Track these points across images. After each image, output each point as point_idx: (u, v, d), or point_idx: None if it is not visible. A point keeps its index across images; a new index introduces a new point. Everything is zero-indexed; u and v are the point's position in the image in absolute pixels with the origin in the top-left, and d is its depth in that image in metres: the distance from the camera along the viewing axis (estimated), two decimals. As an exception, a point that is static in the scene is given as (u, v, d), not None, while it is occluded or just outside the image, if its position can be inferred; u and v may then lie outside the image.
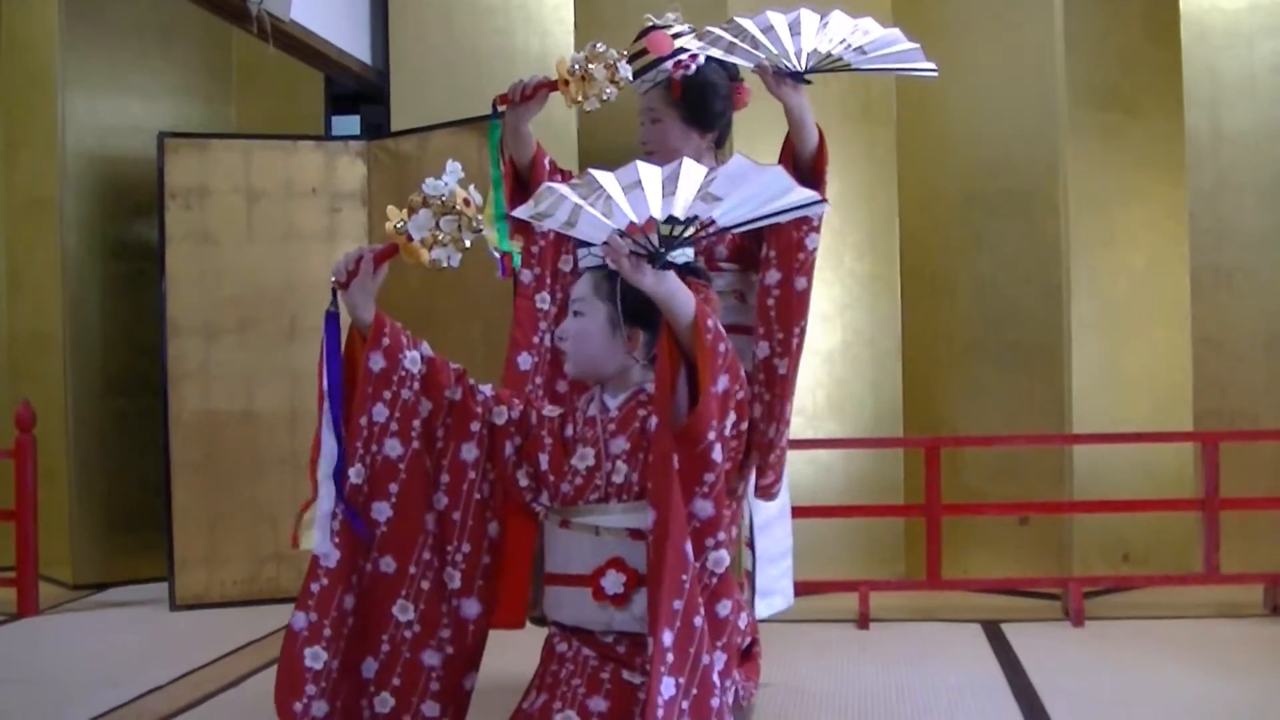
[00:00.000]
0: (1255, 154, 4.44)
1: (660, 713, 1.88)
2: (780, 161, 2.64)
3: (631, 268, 1.98)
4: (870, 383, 4.42)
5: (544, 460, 2.22)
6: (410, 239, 2.11)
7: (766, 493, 2.79)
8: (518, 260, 2.59)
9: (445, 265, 2.12)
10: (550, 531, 2.22)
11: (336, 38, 4.39)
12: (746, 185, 2.01)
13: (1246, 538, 4.09)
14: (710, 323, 2.00)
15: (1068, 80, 4.16)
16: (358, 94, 5.06)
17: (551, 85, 2.57)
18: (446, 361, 2.24)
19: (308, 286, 4.34)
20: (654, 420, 2.12)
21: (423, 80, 4.63)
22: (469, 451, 2.22)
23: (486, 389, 2.25)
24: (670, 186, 2.01)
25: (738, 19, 2.64)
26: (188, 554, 4.29)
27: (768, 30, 2.58)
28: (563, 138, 4.20)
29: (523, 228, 2.68)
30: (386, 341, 2.17)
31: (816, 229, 2.59)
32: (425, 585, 2.19)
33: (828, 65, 2.56)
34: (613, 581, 2.10)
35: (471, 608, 2.21)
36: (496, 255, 2.56)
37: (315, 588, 2.13)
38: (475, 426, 2.22)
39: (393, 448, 2.18)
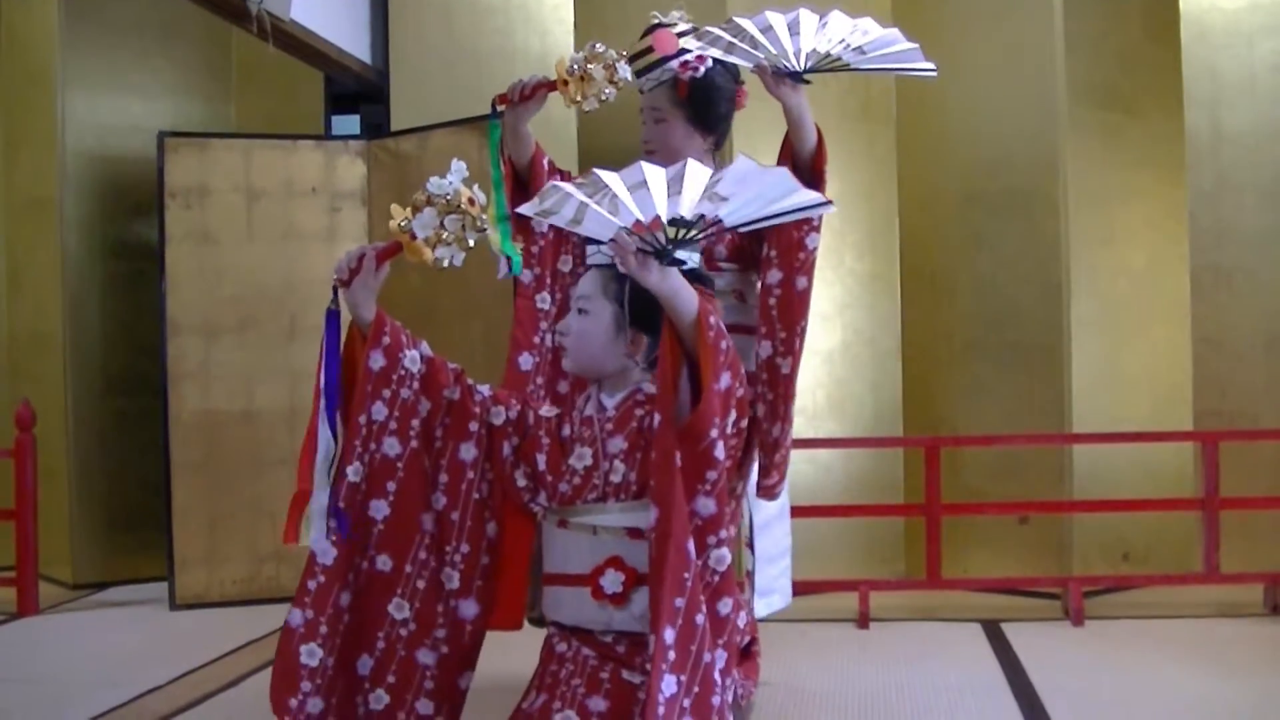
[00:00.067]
0: (1255, 154, 4.44)
1: (661, 710, 1.88)
2: (779, 161, 2.65)
3: (637, 265, 1.99)
4: (870, 382, 4.42)
5: (541, 460, 2.22)
6: (414, 237, 2.11)
7: (770, 492, 2.80)
8: (518, 266, 2.59)
9: (448, 264, 2.12)
10: (548, 531, 2.22)
11: (336, 37, 4.39)
12: (752, 186, 2.02)
13: (1246, 537, 4.09)
14: (712, 320, 2.00)
15: (1068, 80, 4.16)
16: (358, 93, 5.06)
17: (550, 85, 2.58)
18: (445, 361, 2.24)
19: (308, 286, 4.35)
20: (651, 420, 2.13)
21: (423, 80, 4.63)
22: (467, 451, 2.22)
23: (484, 389, 2.25)
24: (676, 187, 2.02)
25: (736, 19, 2.63)
26: (187, 553, 4.29)
27: (767, 30, 2.58)
28: (562, 138, 4.20)
29: (523, 228, 2.68)
30: (387, 340, 2.17)
31: (817, 228, 2.59)
32: (421, 584, 2.19)
33: (827, 65, 2.56)
34: (611, 581, 2.11)
35: (469, 608, 2.21)
36: (499, 255, 2.56)
37: (312, 585, 2.13)
38: (474, 426, 2.22)
39: (391, 446, 2.18)
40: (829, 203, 2.11)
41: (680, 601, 1.94)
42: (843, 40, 2.55)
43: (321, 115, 4.96)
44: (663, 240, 2.00)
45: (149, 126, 4.52)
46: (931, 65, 2.58)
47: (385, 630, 2.18)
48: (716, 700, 1.99)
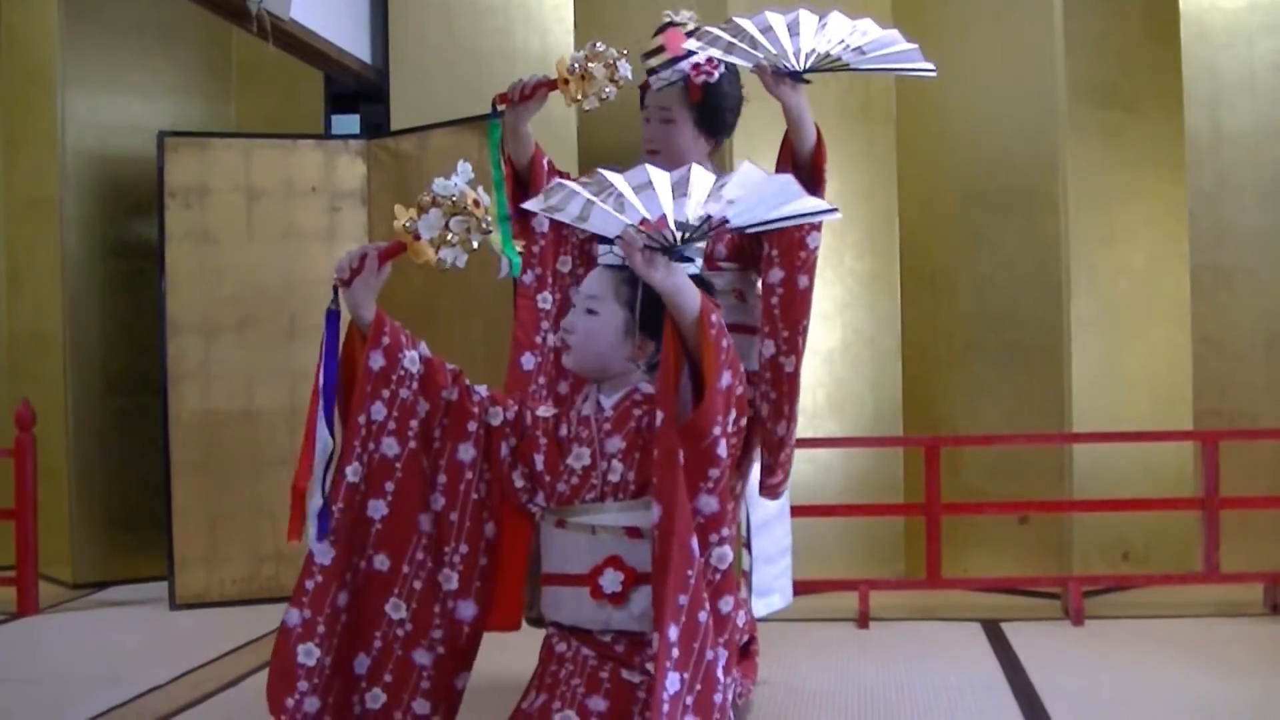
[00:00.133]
0: (1255, 153, 4.43)
1: (665, 708, 1.89)
2: (779, 160, 2.65)
3: (644, 262, 1.99)
4: (870, 382, 4.42)
5: (539, 460, 2.23)
6: (418, 238, 2.11)
7: (774, 491, 2.81)
8: (517, 267, 2.59)
9: (451, 266, 2.12)
10: (547, 531, 2.23)
11: (336, 37, 4.39)
12: (758, 191, 2.03)
13: (1246, 537, 4.09)
14: (714, 319, 2.01)
15: (1067, 79, 4.16)
16: (357, 93, 5.05)
17: (551, 84, 2.58)
18: (443, 362, 2.25)
19: (308, 285, 4.35)
20: (649, 419, 2.14)
21: (422, 79, 4.63)
22: (466, 452, 2.22)
23: (482, 390, 2.26)
24: (681, 189, 2.04)
25: (736, 19, 2.64)
26: (187, 553, 4.29)
27: (766, 30, 2.58)
28: (562, 137, 4.20)
29: (524, 229, 2.68)
30: (386, 340, 2.17)
31: (818, 227, 2.60)
32: (418, 585, 2.19)
33: (826, 65, 2.56)
34: (611, 580, 2.11)
35: (467, 609, 2.22)
36: (502, 255, 2.57)
37: (310, 585, 2.13)
38: (472, 427, 2.22)
39: (390, 447, 2.18)
40: (834, 209, 2.12)
41: (684, 599, 1.95)
42: (842, 40, 2.55)
43: (321, 115, 4.95)
44: (670, 237, 2.01)
45: (149, 126, 4.51)
46: (931, 65, 2.58)
47: (382, 630, 2.18)
48: (718, 698, 1.99)
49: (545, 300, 2.72)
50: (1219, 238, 4.44)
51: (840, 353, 4.38)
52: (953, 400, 4.47)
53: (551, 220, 2.67)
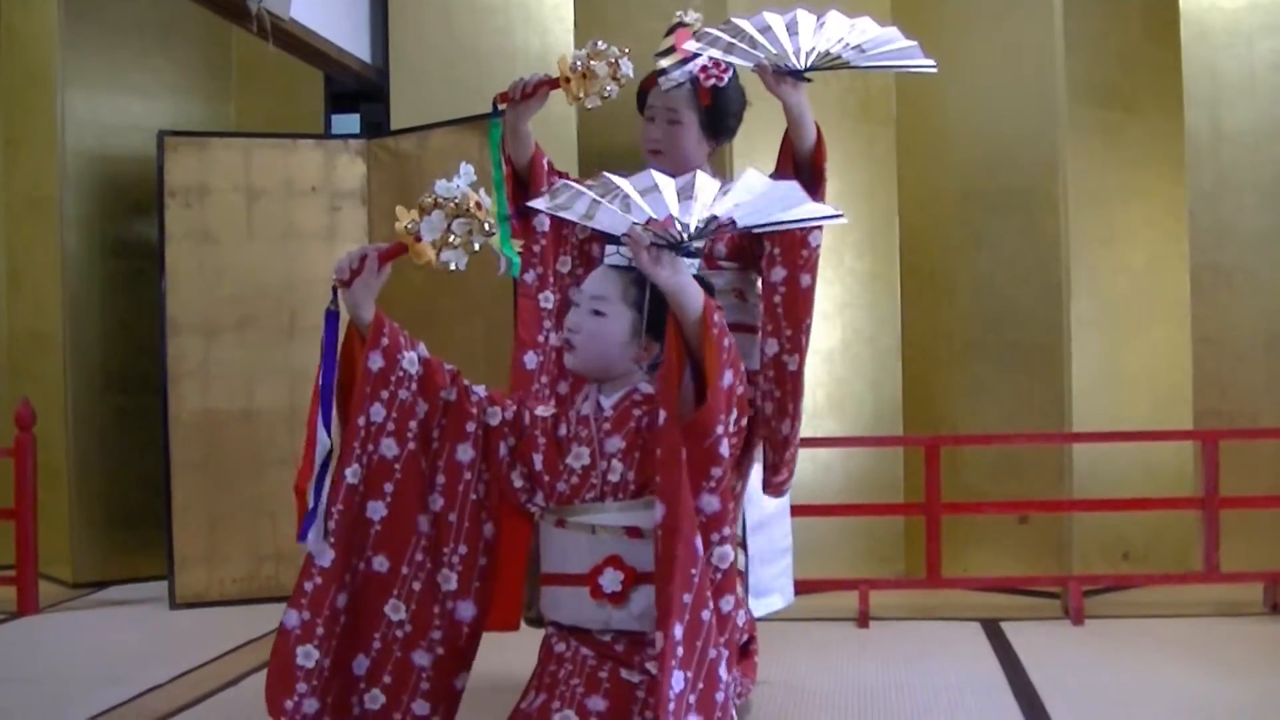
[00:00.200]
0: (1255, 153, 4.43)
1: (671, 706, 1.89)
2: (779, 159, 2.66)
3: (650, 260, 2.00)
4: (870, 381, 4.42)
5: (538, 460, 2.23)
6: (420, 239, 2.11)
7: (779, 489, 2.82)
8: (516, 267, 2.59)
9: (453, 268, 2.12)
10: (546, 531, 2.23)
11: (336, 36, 4.39)
12: (764, 197, 2.05)
13: (1246, 536, 4.09)
14: (716, 318, 2.02)
15: (1067, 79, 4.16)
16: (357, 92, 5.05)
17: (553, 83, 2.58)
18: (441, 362, 2.25)
19: (307, 285, 4.35)
20: (649, 419, 2.14)
21: (422, 79, 4.63)
22: (464, 452, 2.22)
23: (481, 390, 2.26)
24: (687, 193, 2.04)
25: (734, 19, 2.64)
26: (187, 552, 4.29)
27: (765, 30, 2.58)
28: (562, 137, 4.20)
29: (524, 228, 2.68)
30: (385, 341, 2.17)
31: (819, 226, 2.60)
32: (417, 586, 2.19)
33: (828, 64, 2.56)
34: (610, 580, 2.11)
35: (466, 610, 2.22)
36: (500, 255, 2.57)
37: (309, 586, 2.13)
38: (470, 427, 2.22)
39: (389, 448, 2.18)
40: (840, 215, 2.13)
41: (688, 597, 1.95)
42: (842, 39, 2.56)
43: (321, 114, 4.96)
44: (677, 234, 2.01)
45: (149, 126, 4.51)
46: (931, 62, 2.58)
47: (381, 631, 2.18)
48: (720, 696, 2.00)
49: (547, 299, 2.72)
50: (1219, 237, 4.44)
51: (840, 352, 4.38)
52: (953, 400, 4.47)
53: (552, 219, 2.67)
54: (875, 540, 4.38)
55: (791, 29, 2.57)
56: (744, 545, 2.99)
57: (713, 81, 2.69)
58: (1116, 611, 3.97)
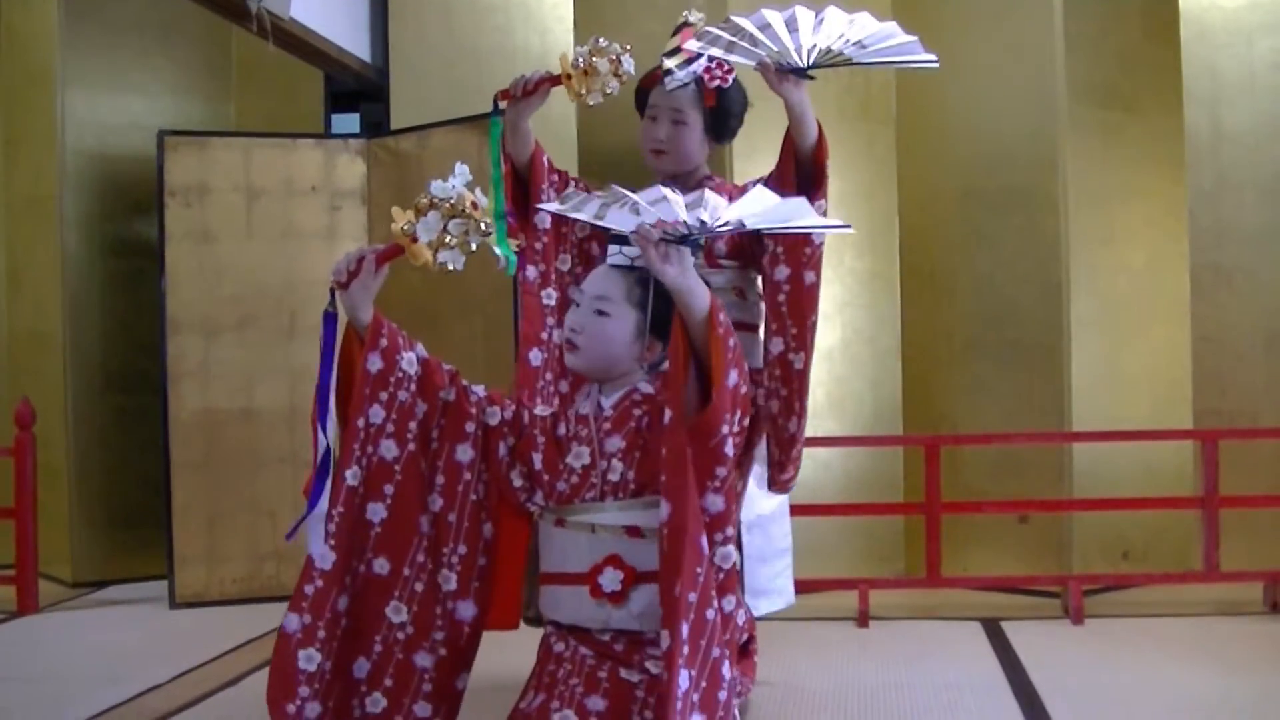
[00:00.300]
0: (1255, 152, 4.43)
1: (678, 705, 1.89)
2: (780, 157, 2.66)
3: (659, 257, 2.00)
4: (870, 381, 4.42)
5: (537, 459, 2.23)
6: (416, 240, 2.11)
7: (785, 486, 2.83)
8: (512, 266, 2.59)
9: (450, 268, 2.12)
10: (545, 531, 2.23)
11: (336, 36, 4.39)
12: (774, 211, 2.07)
13: (1246, 535, 4.09)
14: (722, 318, 2.03)
15: (1067, 78, 4.15)
16: (357, 92, 5.05)
17: (555, 80, 2.57)
18: (440, 363, 2.25)
19: (307, 285, 4.34)
20: (649, 419, 2.14)
21: (422, 78, 4.63)
22: (464, 453, 2.22)
23: (479, 390, 2.26)
24: (696, 205, 2.06)
25: (734, 18, 2.64)
26: (187, 552, 4.29)
27: (765, 28, 2.58)
28: (561, 136, 4.20)
29: (525, 226, 2.68)
30: (384, 343, 2.17)
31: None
32: (419, 587, 2.19)
33: (829, 60, 2.56)
34: (610, 579, 2.11)
35: (467, 610, 2.22)
36: (497, 254, 2.57)
37: (309, 589, 2.12)
38: (470, 427, 2.22)
39: (388, 449, 2.18)
40: (847, 226, 2.14)
41: (694, 597, 1.96)
42: (842, 35, 2.56)
43: (321, 114, 4.95)
44: (686, 228, 2.01)
45: (149, 125, 4.52)
46: (933, 57, 2.58)
47: (382, 634, 2.18)
48: (723, 695, 2.00)
49: (549, 297, 2.72)
50: (1219, 237, 4.44)
51: (840, 351, 4.38)
52: (952, 399, 4.47)
53: (552, 217, 2.68)
54: (875, 540, 4.38)
55: (791, 26, 2.57)
56: (739, 543, 2.99)
57: (717, 83, 2.69)
58: (1116, 611, 3.97)
